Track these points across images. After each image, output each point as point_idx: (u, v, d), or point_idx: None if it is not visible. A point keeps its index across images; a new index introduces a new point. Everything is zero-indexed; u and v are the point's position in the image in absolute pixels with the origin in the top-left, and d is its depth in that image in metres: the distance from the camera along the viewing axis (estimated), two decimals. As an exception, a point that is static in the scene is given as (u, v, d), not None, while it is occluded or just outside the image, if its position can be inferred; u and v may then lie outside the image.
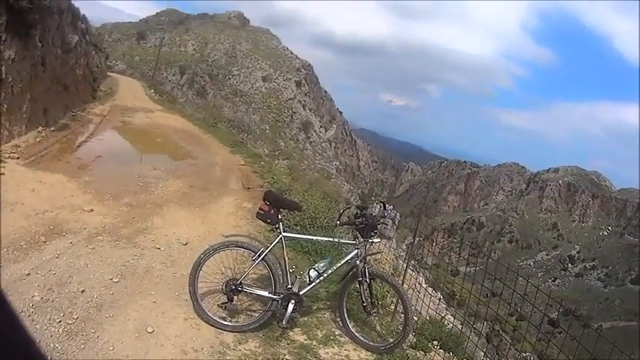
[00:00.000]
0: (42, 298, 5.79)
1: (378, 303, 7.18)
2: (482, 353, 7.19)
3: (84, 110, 22.39)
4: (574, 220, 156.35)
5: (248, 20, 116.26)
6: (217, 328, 6.23)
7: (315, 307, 7.44)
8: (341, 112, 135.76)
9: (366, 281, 6.63)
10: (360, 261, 6.58)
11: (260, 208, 6.63)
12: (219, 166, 18.11)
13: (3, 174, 10.58)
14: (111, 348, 5.22)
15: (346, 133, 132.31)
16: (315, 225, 10.73)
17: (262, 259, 6.33)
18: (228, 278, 6.45)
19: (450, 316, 8.74)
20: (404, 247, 26.29)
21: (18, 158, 12.14)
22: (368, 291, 6.73)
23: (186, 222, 10.29)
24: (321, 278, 6.66)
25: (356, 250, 6.64)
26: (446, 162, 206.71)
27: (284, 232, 6.61)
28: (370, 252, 7.00)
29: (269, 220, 6.62)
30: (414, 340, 7.23)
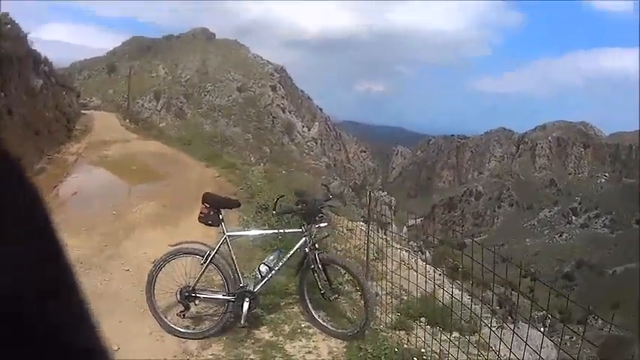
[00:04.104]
0: (12, 334, 6.11)
1: (338, 288, 7.28)
2: (485, 321, 6.91)
3: (59, 152, 22.45)
4: (570, 173, 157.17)
5: (214, 34, 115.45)
6: (180, 337, 6.43)
7: (283, 303, 7.49)
8: (321, 109, 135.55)
9: (318, 268, 6.64)
10: (309, 248, 6.62)
11: (200, 212, 6.71)
12: (194, 181, 18.27)
13: (-22, 227, 10.93)
14: (75, 370, 5.52)
15: (330, 129, 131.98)
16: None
17: (210, 261, 6.42)
18: (181, 286, 6.55)
19: (455, 291, 8.58)
20: (405, 230, 26.57)
21: (-7, 210, 12.45)
22: (324, 277, 6.78)
23: (157, 241, 10.21)
24: (273, 272, 6.71)
25: (303, 238, 6.67)
26: (433, 139, 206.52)
27: (227, 231, 6.67)
28: (319, 237, 7.04)
29: (210, 222, 6.70)
30: (395, 319, 7.30)
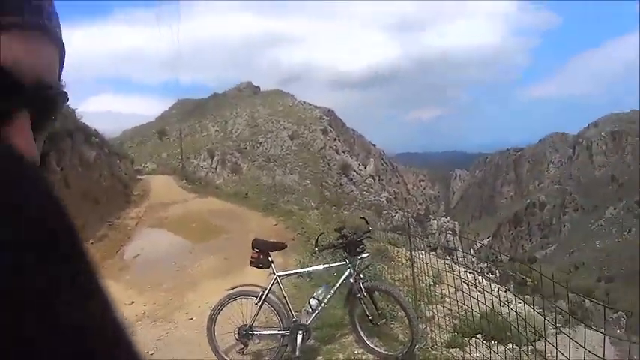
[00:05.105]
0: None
1: (387, 313, 7.59)
2: (553, 330, 6.71)
3: (120, 217, 22.88)
4: (629, 166, 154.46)
5: (258, 87, 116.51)
6: None
7: (338, 334, 7.83)
8: (374, 145, 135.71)
9: (364, 296, 6.98)
10: (355, 279, 6.98)
11: (251, 257, 7.07)
12: (253, 231, 18.02)
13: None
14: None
15: (386, 163, 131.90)
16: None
17: (264, 300, 6.81)
18: (239, 326, 6.93)
19: (522, 305, 8.16)
20: (472, 252, 26.56)
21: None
22: (372, 304, 7.10)
23: (220, 290, 10.64)
24: (323, 305, 7.07)
25: (348, 270, 7.04)
26: (489, 157, 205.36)
27: (277, 272, 7.07)
28: (361, 268, 7.29)
29: (261, 265, 7.02)
30: (449, 338, 7.53)
